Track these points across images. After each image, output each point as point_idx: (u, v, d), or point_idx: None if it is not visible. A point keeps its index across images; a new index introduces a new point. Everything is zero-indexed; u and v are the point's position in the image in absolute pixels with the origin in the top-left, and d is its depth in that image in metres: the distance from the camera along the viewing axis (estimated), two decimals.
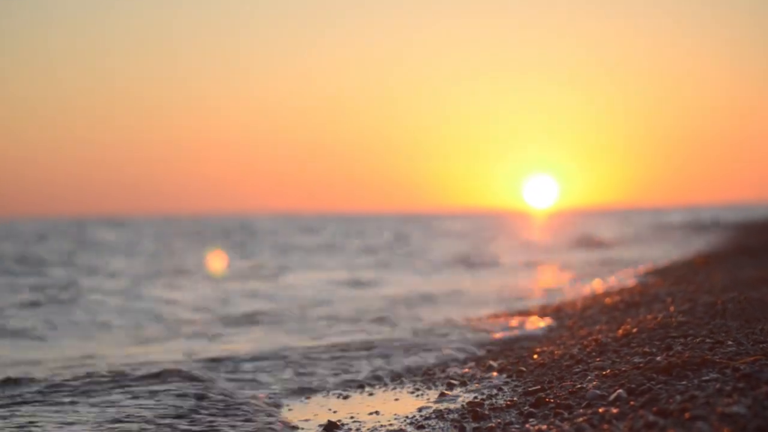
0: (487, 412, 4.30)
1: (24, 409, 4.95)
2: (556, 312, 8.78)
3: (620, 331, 5.93)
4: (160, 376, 5.51)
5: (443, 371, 5.84)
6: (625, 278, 13.28)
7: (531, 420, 3.99)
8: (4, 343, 8.50)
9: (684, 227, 39.01)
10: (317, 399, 5.33)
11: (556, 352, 5.71)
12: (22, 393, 5.34)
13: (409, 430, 4.26)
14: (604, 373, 4.57)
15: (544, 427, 3.75)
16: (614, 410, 3.66)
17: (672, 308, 6.90)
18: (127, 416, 4.63)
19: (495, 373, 5.43)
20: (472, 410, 4.37)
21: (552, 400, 4.23)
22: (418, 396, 5.12)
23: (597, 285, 12.50)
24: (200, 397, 4.96)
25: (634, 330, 5.86)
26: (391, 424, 4.41)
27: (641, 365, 4.54)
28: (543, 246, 29.26)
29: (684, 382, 4.05)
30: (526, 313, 9.08)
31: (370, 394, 5.34)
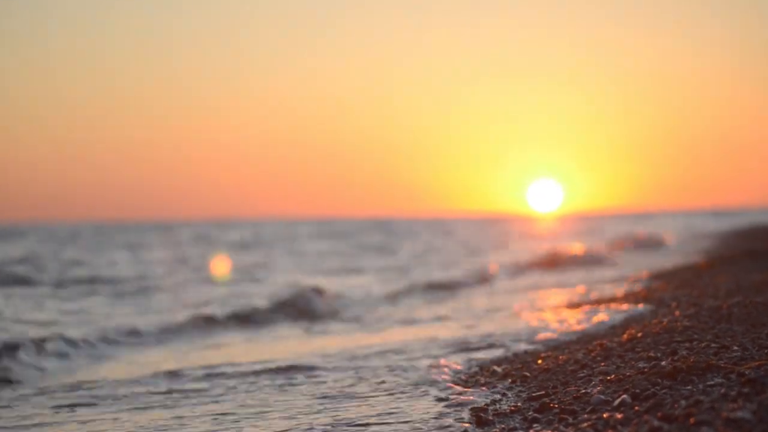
0: (491, 417, 4.29)
1: None
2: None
3: (625, 336, 5.92)
4: None
5: (445, 375, 5.81)
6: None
7: (535, 425, 3.97)
8: None
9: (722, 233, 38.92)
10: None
11: (560, 357, 5.70)
12: None
13: None
14: (608, 378, 4.56)
15: None
16: (619, 415, 3.64)
17: (677, 313, 6.88)
18: None
19: (499, 378, 5.41)
20: (476, 415, 4.35)
21: (556, 406, 4.21)
22: (420, 400, 5.10)
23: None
24: None
25: (639, 335, 5.84)
26: (394, 430, 4.40)
27: (646, 370, 4.52)
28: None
29: (689, 387, 4.03)
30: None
31: (372, 397, 5.33)
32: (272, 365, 6.72)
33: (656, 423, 3.36)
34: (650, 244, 30.70)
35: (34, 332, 9.22)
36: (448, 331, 8.73)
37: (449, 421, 4.39)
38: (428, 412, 4.70)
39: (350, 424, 4.64)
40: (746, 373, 4.06)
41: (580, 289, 12.86)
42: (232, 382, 6.12)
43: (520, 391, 4.90)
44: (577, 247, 26.34)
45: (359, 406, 5.14)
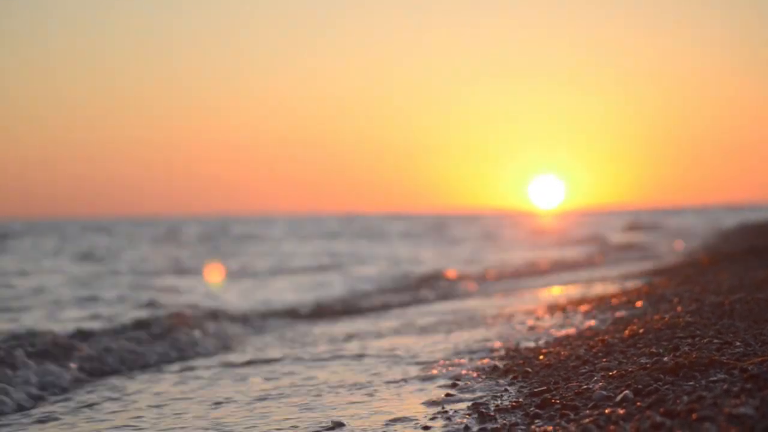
0: (492, 413, 4.28)
1: None
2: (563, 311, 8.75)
3: (627, 332, 5.91)
4: None
5: (448, 371, 5.81)
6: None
7: (537, 421, 3.96)
8: None
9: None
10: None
11: (562, 352, 5.69)
12: None
13: (413, 430, 4.24)
14: (610, 373, 4.55)
15: (550, 428, 3.72)
16: (621, 411, 3.63)
17: (679, 309, 6.86)
18: None
19: (501, 374, 5.40)
20: (478, 411, 4.35)
21: (558, 401, 4.20)
22: (422, 396, 5.09)
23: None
24: None
25: (641, 330, 5.83)
26: (394, 425, 4.40)
27: (648, 366, 4.51)
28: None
29: (691, 383, 4.02)
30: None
31: (374, 393, 5.32)
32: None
33: (658, 419, 3.35)
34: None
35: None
36: (454, 328, 8.73)
37: (451, 416, 4.38)
38: (430, 407, 4.70)
39: (353, 415, 4.64)
40: (749, 368, 4.05)
41: (579, 287, 12.85)
42: None
43: (522, 387, 4.89)
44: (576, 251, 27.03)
45: (358, 402, 5.13)
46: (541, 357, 5.71)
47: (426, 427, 4.23)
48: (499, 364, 5.75)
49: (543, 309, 9.23)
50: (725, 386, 3.71)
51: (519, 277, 17.99)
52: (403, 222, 77.06)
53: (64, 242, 40.67)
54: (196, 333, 8.76)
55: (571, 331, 7.02)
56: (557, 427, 3.69)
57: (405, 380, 5.66)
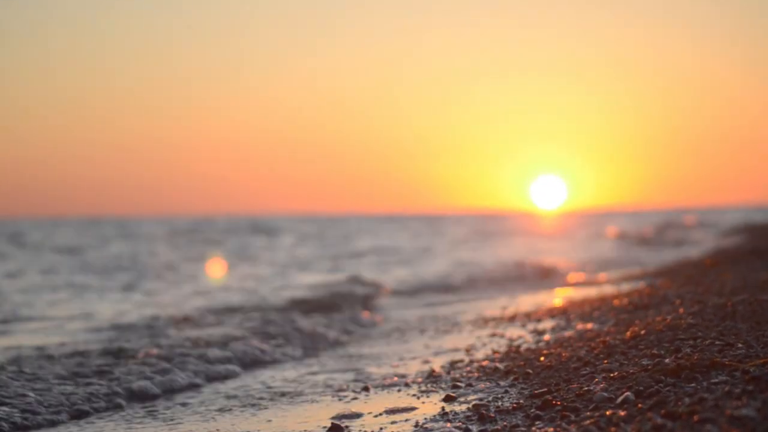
0: (493, 414, 4.27)
1: None
2: (564, 312, 8.74)
3: (628, 333, 5.88)
4: None
5: (449, 373, 5.80)
6: None
7: (537, 422, 3.95)
8: None
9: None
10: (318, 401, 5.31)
11: (563, 354, 5.67)
12: None
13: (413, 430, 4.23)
14: (611, 375, 4.53)
15: (551, 429, 3.71)
16: (622, 413, 3.62)
17: (681, 310, 6.84)
18: None
19: (501, 376, 5.39)
20: (478, 412, 4.33)
21: (559, 403, 4.18)
22: (423, 398, 5.08)
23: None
24: None
25: (643, 332, 5.81)
26: (395, 426, 4.38)
27: (649, 367, 4.49)
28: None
29: (693, 385, 4.00)
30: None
31: (375, 395, 5.31)
32: None
33: (660, 420, 3.33)
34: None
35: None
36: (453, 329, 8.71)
37: (451, 417, 4.37)
38: (431, 409, 4.68)
39: (356, 416, 4.63)
40: (751, 370, 4.03)
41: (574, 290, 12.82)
42: None
43: (523, 388, 4.87)
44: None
45: (363, 402, 5.12)
46: (542, 358, 5.69)
47: (426, 429, 4.22)
48: (500, 365, 5.73)
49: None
50: (727, 388, 3.69)
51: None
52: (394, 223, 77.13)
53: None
54: None
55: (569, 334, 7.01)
56: (558, 429, 3.68)
57: (404, 381, 5.65)
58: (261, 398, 5.55)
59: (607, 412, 3.69)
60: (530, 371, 5.30)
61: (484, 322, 9.03)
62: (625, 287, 11.73)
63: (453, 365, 6.15)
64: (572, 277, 16.94)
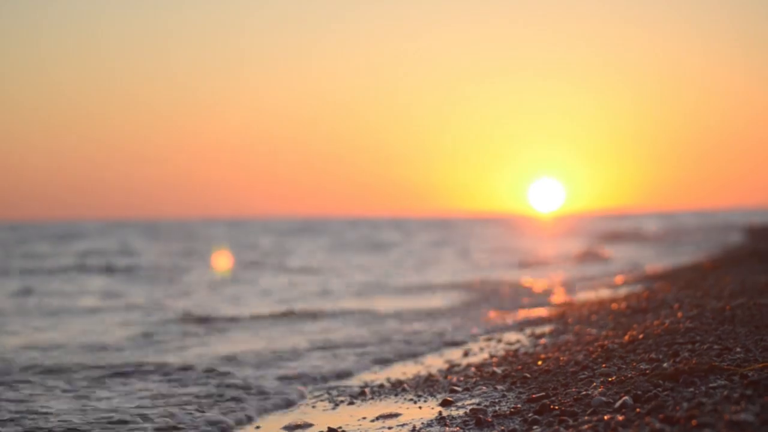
0: (490, 419, 4.24)
1: None
2: (562, 316, 8.72)
3: (626, 337, 5.87)
4: None
5: (446, 377, 5.78)
6: None
7: (535, 427, 3.93)
8: None
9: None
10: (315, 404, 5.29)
11: (561, 358, 5.65)
12: None
13: None
14: (609, 379, 4.51)
15: None
16: (620, 417, 3.60)
17: (679, 314, 6.83)
18: None
19: (499, 380, 5.36)
20: (476, 417, 4.31)
21: (556, 407, 4.16)
22: (420, 402, 5.06)
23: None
24: None
25: (641, 336, 5.79)
26: (390, 429, 4.36)
27: (648, 372, 4.47)
28: None
29: (691, 389, 3.98)
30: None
31: (371, 399, 5.29)
32: None
33: (658, 425, 3.31)
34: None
35: None
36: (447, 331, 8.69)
37: (449, 422, 4.34)
38: (429, 413, 4.66)
39: (352, 422, 4.60)
40: (749, 375, 4.01)
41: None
42: None
43: (520, 393, 4.85)
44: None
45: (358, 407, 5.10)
46: (540, 362, 5.67)
47: None
48: (497, 369, 5.71)
49: None
50: (725, 392, 3.67)
51: None
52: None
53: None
54: None
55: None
56: None
57: (402, 386, 5.63)
58: None
59: (606, 417, 3.67)
60: (528, 375, 5.28)
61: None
62: (624, 291, 11.71)
63: (450, 369, 6.13)
64: None
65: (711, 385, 3.97)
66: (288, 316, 10.66)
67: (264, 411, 5.21)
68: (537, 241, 38.26)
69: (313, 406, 5.29)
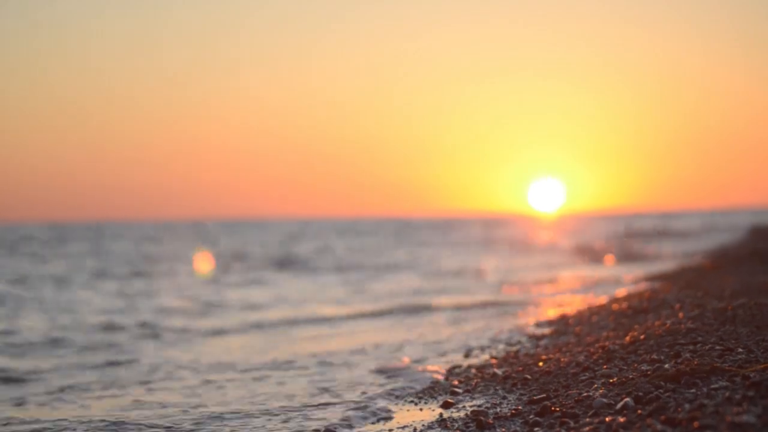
0: (491, 421, 4.23)
1: None
2: (562, 318, 8.71)
3: (628, 338, 5.85)
4: None
5: (447, 379, 5.76)
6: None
7: (536, 429, 3.91)
8: None
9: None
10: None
11: (562, 359, 5.63)
12: None
13: None
14: (611, 380, 4.49)
15: None
16: (621, 419, 3.58)
17: (681, 314, 6.81)
18: None
19: (500, 381, 5.35)
20: (476, 419, 4.29)
21: (558, 409, 4.15)
22: (421, 404, 5.04)
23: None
24: None
25: (642, 337, 5.77)
26: None
27: (649, 373, 4.46)
28: None
29: (693, 391, 3.97)
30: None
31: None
32: None
33: (659, 427, 3.30)
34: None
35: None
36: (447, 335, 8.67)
37: (449, 424, 4.33)
38: (429, 415, 4.65)
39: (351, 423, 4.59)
40: (751, 376, 4.00)
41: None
42: None
43: (522, 394, 4.84)
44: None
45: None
46: (541, 364, 5.65)
47: None
48: (498, 371, 5.69)
49: None
50: (727, 394, 3.65)
51: None
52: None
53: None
54: None
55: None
56: None
57: (403, 388, 5.61)
58: None
59: (607, 419, 3.65)
60: (529, 377, 5.26)
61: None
62: (625, 291, 11.70)
63: (451, 371, 6.11)
64: None
65: (713, 386, 3.96)
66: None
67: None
68: (576, 239, 38.29)
69: None
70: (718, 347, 4.96)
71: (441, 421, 4.42)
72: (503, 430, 4.03)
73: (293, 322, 10.63)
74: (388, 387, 5.68)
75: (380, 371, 6.46)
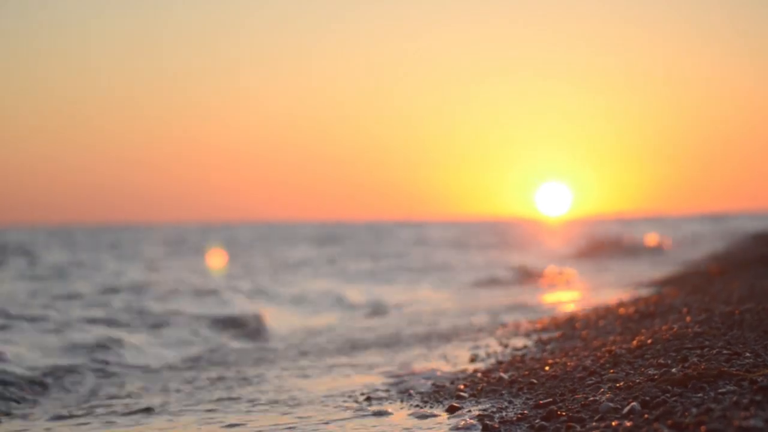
0: (497, 425, 4.21)
1: None
2: (569, 321, 8.68)
3: (635, 342, 5.82)
4: None
5: (452, 383, 5.74)
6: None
7: None
8: None
9: None
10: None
11: (568, 363, 5.61)
12: None
13: None
14: (617, 385, 4.48)
15: None
16: (628, 423, 3.56)
17: (688, 318, 6.78)
18: None
19: (506, 385, 5.32)
20: (482, 423, 4.28)
21: (564, 413, 4.13)
22: (425, 408, 5.02)
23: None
24: None
25: (649, 341, 5.74)
26: None
27: (656, 377, 4.44)
28: None
29: (700, 395, 3.95)
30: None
31: (376, 405, 5.26)
32: None
33: (666, 431, 3.28)
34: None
35: None
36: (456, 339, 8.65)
37: (456, 428, 4.31)
38: (435, 420, 4.63)
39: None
40: (759, 380, 3.98)
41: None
42: None
43: (528, 399, 4.82)
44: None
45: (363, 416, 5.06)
46: (547, 368, 5.63)
47: None
48: (504, 375, 5.67)
49: None
50: (734, 398, 3.63)
51: None
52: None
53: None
54: None
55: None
56: None
57: (408, 392, 5.59)
58: None
59: (613, 423, 3.64)
60: (535, 381, 5.24)
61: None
62: (632, 295, 11.67)
63: (456, 375, 6.09)
64: None
65: (720, 390, 3.94)
66: None
67: None
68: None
69: None
70: (725, 351, 4.93)
71: (446, 425, 4.40)
72: None
73: None
74: (392, 391, 5.66)
75: (384, 374, 6.45)
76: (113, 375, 7.14)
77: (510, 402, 4.81)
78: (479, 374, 5.97)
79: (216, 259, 29.05)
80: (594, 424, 3.78)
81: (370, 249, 37.12)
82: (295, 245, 42.13)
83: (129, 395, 6.17)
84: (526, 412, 4.43)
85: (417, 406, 5.12)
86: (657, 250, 30.62)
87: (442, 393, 5.40)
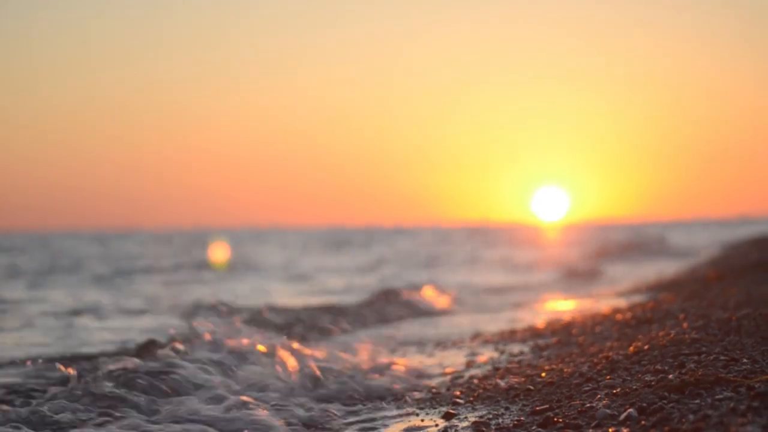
0: None
1: None
2: (566, 328, 8.65)
3: (631, 348, 5.81)
4: None
5: (448, 389, 5.72)
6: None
7: None
8: None
9: None
10: None
11: (565, 370, 5.59)
12: None
13: None
14: (614, 391, 4.46)
15: None
16: (625, 430, 3.55)
17: (685, 324, 6.77)
18: None
19: (502, 392, 5.30)
20: (478, 430, 4.26)
21: (560, 420, 4.11)
22: (422, 415, 5.00)
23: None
24: None
25: (646, 347, 5.73)
26: None
27: (653, 383, 4.42)
28: None
29: (697, 401, 3.93)
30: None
31: (370, 411, 5.24)
32: None
33: None
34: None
35: None
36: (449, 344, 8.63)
37: None
38: (431, 427, 4.61)
39: None
40: (756, 386, 3.96)
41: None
42: None
43: (524, 405, 4.79)
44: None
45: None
46: (543, 374, 5.61)
47: None
48: (501, 381, 5.65)
49: None
50: (731, 404, 3.62)
51: None
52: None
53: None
54: None
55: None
56: None
57: (403, 398, 5.57)
58: None
59: (610, 430, 3.62)
60: (531, 387, 5.22)
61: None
62: (629, 301, 11.65)
63: (452, 381, 6.07)
64: None
65: (717, 396, 3.92)
66: None
67: None
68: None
69: None
70: (722, 357, 4.92)
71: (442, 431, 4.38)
72: None
73: None
74: (388, 397, 5.64)
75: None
76: None
77: (506, 408, 4.79)
78: (476, 380, 5.95)
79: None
80: (591, 430, 3.76)
81: (433, 252, 37.77)
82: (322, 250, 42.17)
83: None
84: (522, 418, 4.41)
85: (413, 413, 5.10)
86: (686, 251, 31.22)
87: (438, 399, 5.38)
